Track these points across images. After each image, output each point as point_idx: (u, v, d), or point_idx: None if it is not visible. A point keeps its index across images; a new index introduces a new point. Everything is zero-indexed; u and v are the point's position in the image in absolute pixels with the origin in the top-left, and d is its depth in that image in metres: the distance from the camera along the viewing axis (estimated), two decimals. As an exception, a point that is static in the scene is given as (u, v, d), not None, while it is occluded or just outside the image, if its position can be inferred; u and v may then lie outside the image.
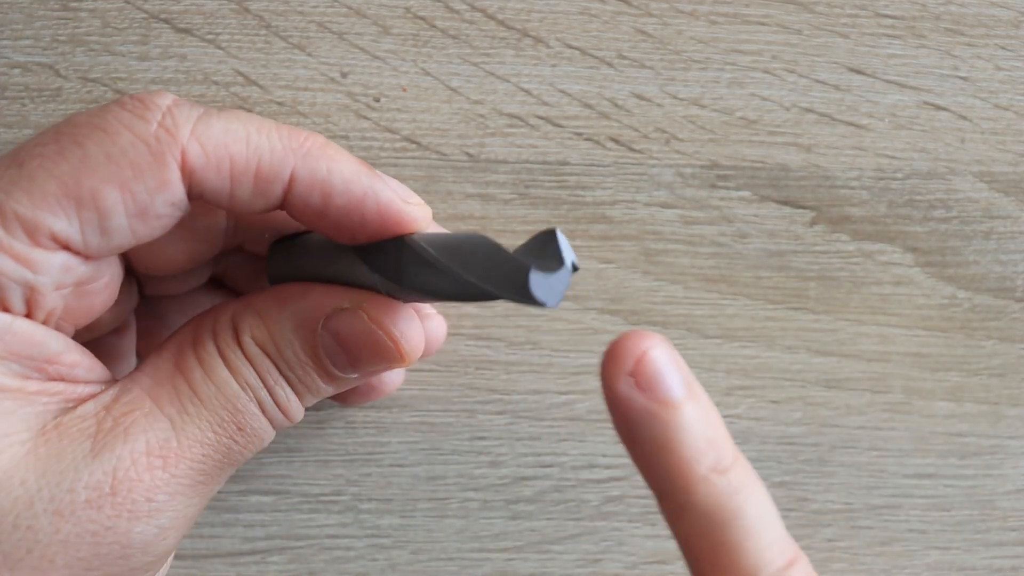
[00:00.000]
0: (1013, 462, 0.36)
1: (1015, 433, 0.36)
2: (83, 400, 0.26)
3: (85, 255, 0.25)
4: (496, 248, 0.24)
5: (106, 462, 0.25)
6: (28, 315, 0.25)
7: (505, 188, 0.34)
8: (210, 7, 0.33)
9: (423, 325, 0.29)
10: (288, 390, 0.27)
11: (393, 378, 0.33)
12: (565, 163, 0.34)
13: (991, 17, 0.35)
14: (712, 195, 0.34)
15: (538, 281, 0.23)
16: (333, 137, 0.34)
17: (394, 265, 0.26)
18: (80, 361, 0.26)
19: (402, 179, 0.34)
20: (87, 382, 0.26)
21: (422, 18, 0.34)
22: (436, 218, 0.34)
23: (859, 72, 0.35)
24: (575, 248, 0.34)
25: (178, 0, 0.33)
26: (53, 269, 0.25)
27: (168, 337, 0.28)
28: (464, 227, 0.34)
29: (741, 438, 0.35)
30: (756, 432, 0.35)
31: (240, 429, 0.27)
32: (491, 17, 0.34)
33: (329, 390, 0.28)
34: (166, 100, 0.25)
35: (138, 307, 0.31)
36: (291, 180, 0.26)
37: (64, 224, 0.24)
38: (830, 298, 0.35)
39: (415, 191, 0.34)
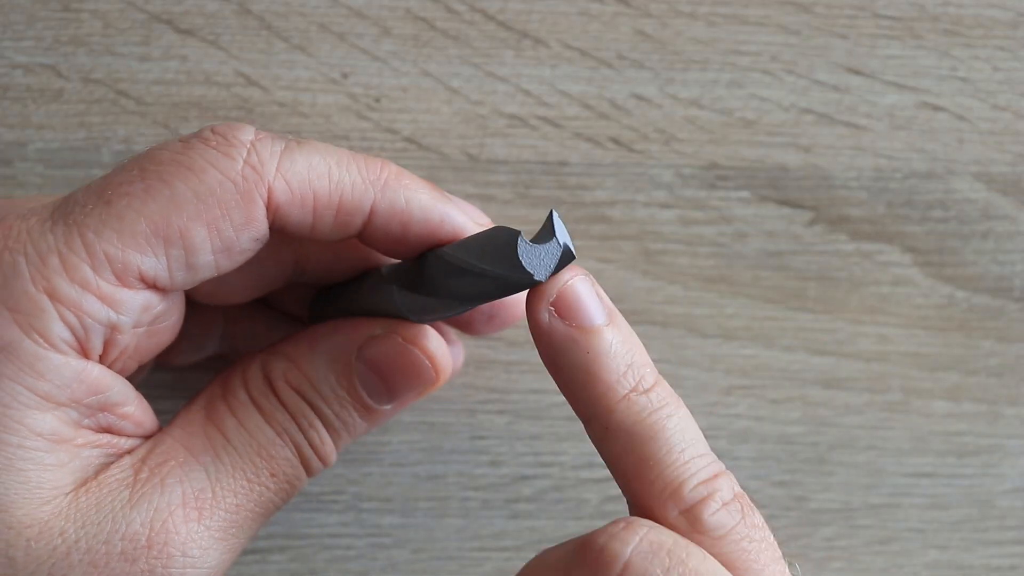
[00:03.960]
0: (1011, 461, 0.36)
1: (1013, 432, 0.36)
2: (122, 454, 0.26)
3: (168, 290, 0.26)
4: (502, 229, 0.25)
5: (143, 513, 0.25)
6: (103, 356, 0.25)
7: (505, 188, 0.34)
8: (211, 8, 0.33)
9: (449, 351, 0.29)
10: (323, 432, 0.28)
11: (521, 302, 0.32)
12: (565, 163, 0.34)
13: (989, 18, 0.35)
14: (711, 195, 0.35)
15: (526, 249, 0.24)
16: (334, 137, 0.34)
17: (421, 278, 0.27)
18: (132, 414, 0.27)
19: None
20: (131, 436, 0.27)
21: (422, 19, 0.34)
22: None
23: (858, 73, 0.35)
24: (575, 249, 0.34)
25: (180, 1, 0.33)
26: (135, 309, 0.25)
27: (197, 393, 0.28)
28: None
29: (740, 437, 0.35)
30: (755, 431, 0.35)
31: (273, 476, 0.27)
32: (491, 18, 0.34)
33: (363, 427, 0.29)
34: (248, 135, 0.26)
35: None
36: (371, 212, 0.26)
37: (152, 263, 0.25)
38: (829, 298, 0.35)
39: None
